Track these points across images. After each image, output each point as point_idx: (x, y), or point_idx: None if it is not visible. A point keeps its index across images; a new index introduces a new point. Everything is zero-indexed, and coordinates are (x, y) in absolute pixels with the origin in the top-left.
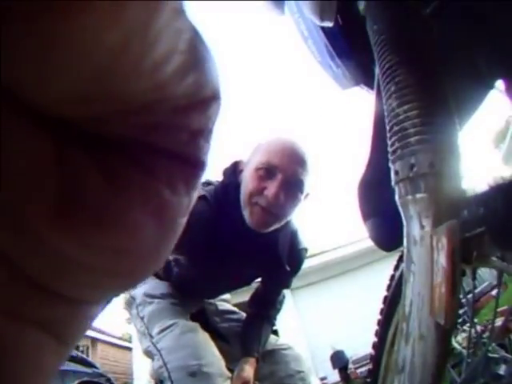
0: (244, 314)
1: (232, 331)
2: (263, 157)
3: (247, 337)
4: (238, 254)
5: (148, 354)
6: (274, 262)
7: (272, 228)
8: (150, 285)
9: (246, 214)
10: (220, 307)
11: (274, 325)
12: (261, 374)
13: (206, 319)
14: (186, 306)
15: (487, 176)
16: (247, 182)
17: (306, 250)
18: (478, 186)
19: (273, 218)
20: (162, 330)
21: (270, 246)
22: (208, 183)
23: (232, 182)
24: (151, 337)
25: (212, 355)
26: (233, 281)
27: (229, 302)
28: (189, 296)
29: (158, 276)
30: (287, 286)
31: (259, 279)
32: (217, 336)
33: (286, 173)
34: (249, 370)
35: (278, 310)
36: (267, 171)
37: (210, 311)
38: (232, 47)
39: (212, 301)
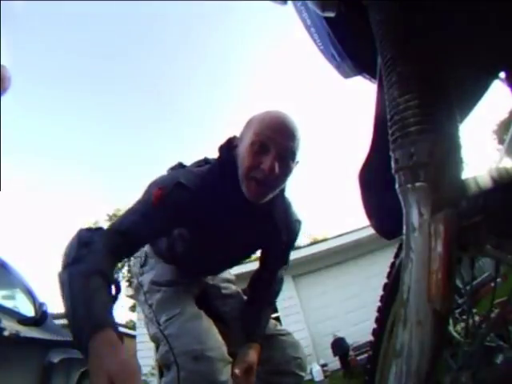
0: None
1: (233, 315)
2: (256, 132)
3: (249, 322)
4: (238, 227)
5: (155, 339)
6: (272, 231)
7: (268, 198)
8: (156, 271)
9: (243, 187)
10: (223, 291)
11: (273, 307)
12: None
13: (208, 303)
14: (190, 289)
15: (489, 166)
16: (243, 157)
17: (299, 222)
18: (478, 176)
19: (269, 189)
20: (169, 318)
21: (266, 217)
22: (206, 161)
23: (228, 157)
24: (159, 324)
25: (215, 341)
26: (234, 253)
27: (233, 282)
28: (193, 273)
29: (164, 258)
30: (285, 262)
31: (259, 254)
32: (218, 320)
33: (279, 146)
34: (252, 354)
35: (277, 293)
36: (261, 146)
37: (213, 295)
38: (235, 36)
39: (215, 283)
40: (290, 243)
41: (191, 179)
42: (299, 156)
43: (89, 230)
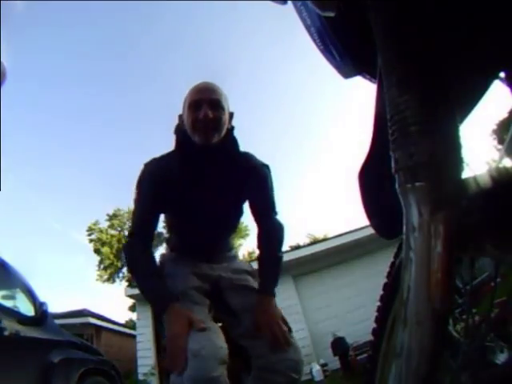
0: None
1: (244, 307)
2: (188, 99)
3: (260, 277)
4: (210, 180)
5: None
6: (243, 177)
7: (215, 138)
8: (169, 281)
9: (195, 138)
10: (235, 282)
11: (280, 258)
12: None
13: (219, 294)
14: (201, 290)
15: (489, 166)
16: (187, 120)
17: (267, 166)
18: (478, 176)
19: (212, 130)
20: None
21: (229, 162)
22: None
23: (180, 129)
24: None
25: (212, 342)
26: (220, 210)
27: (253, 275)
28: (198, 250)
29: (173, 249)
30: (273, 207)
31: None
32: (227, 311)
33: (207, 100)
34: (268, 305)
35: (280, 241)
36: (194, 105)
37: (225, 285)
38: (235, 36)
39: (228, 275)
40: (266, 188)
41: (159, 159)
42: (229, 109)
43: (127, 246)
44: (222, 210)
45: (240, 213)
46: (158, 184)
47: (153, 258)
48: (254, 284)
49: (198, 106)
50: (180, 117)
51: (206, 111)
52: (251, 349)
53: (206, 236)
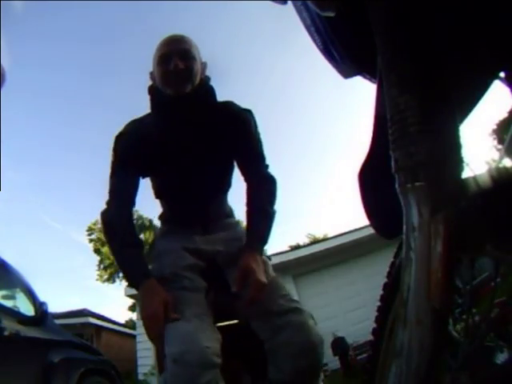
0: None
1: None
2: (157, 53)
3: (248, 233)
4: (195, 137)
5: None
6: (224, 125)
7: (188, 87)
8: (160, 261)
9: (168, 91)
10: (235, 256)
11: (272, 212)
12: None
13: (218, 272)
14: (195, 267)
15: (489, 166)
16: (157, 74)
17: (249, 110)
18: (478, 176)
19: (184, 80)
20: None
21: (208, 111)
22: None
23: (154, 88)
24: None
25: (198, 344)
26: (207, 164)
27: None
28: (191, 221)
29: (163, 220)
30: (261, 156)
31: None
32: (226, 289)
33: (176, 51)
34: (247, 260)
35: (273, 193)
36: (164, 59)
37: (223, 262)
38: (235, 36)
39: (225, 249)
40: (251, 134)
41: (136, 120)
42: (201, 58)
43: (103, 212)
44: (208, 166)
45: (230, 167)
46: (136, 144)
47: (131, 225)
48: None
49: (167, 58)
50: (151, 74)
51: (176, 62)
52: (259, 331)
53: (196, 198)
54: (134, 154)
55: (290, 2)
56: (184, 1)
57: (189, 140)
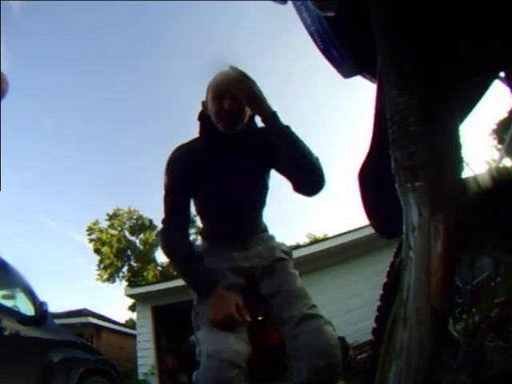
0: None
1: (274, 289)
2: (213, 88)
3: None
4: (240, 163)
5: (192, 342)
6: (265, 150)
7: (239, 126)
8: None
9: (220, 126)
10: (269, 268)
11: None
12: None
13: (254, 286)
14: (234, 287)
15: (489, 166)
16: (211, 110)
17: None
18: (478, 176)
19: (236, 120)
20: (203, 326)
21: (255, 145)
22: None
23: (205, 117)
24: (197, 330)
25: (230, 346)
26: (247, 188)
27: (289, 254)
28: (231, 237)
29: (207, 238)
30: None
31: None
32: (258, 299)
33: (227, 91)
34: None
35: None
36: (219, 95)
37: (259, 275)
38: (234, 36)
39: (261, 262)
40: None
41: (185, 144)
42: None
43: (163, 231)
44: (248, 186)
45: (266, 186)
46: (186, 168)
47: (190, 241)
48: (290, 267)
49: (221, 97)
50: (203, 103)
51: (230, 102)
52: (284, 336)
53: (236, 215)
54: (185, 177)
55: (289, 2)
56: (184, 1)
57: (233, 164)
